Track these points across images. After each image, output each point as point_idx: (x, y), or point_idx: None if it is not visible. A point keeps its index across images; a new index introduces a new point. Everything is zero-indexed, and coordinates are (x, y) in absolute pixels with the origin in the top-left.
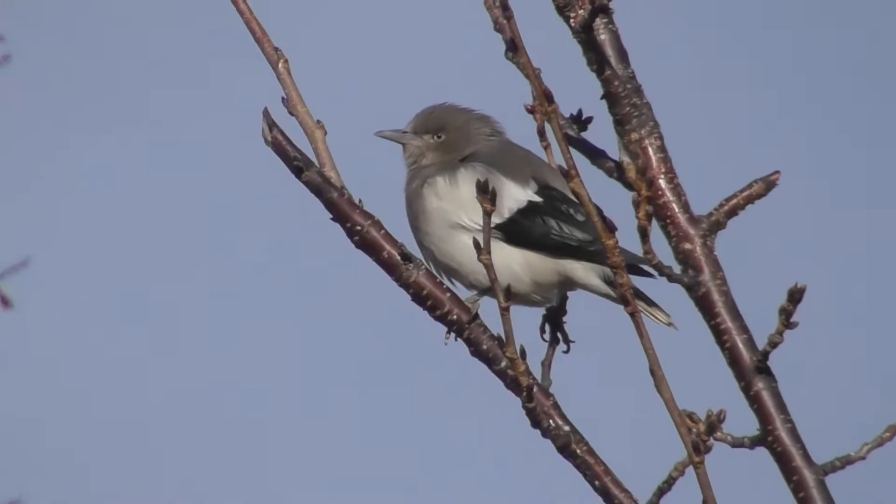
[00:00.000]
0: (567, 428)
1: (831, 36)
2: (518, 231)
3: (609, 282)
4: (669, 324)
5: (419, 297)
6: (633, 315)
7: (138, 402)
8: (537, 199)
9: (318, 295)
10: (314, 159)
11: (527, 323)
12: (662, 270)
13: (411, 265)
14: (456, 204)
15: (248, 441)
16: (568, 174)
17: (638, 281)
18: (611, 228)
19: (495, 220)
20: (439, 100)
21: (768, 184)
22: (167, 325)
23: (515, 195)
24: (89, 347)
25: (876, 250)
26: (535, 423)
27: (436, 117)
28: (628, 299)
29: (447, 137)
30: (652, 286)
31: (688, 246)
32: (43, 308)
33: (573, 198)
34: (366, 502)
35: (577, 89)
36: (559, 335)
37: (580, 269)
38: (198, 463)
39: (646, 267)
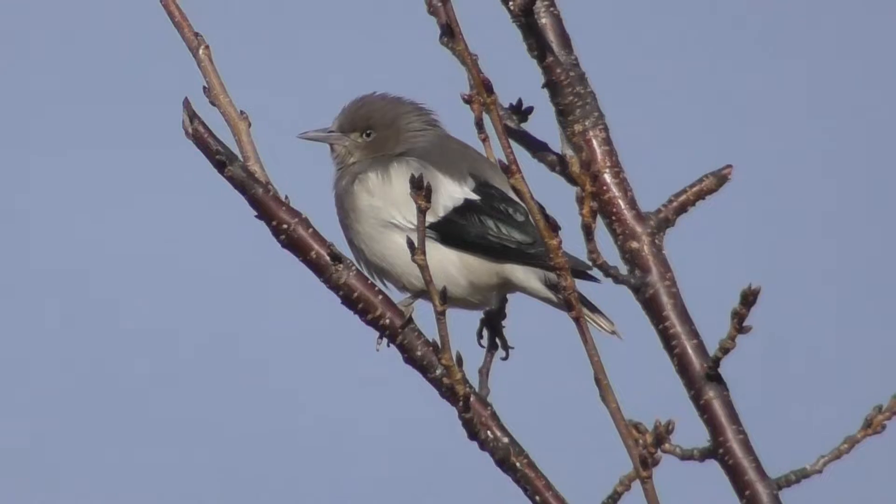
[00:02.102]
0: (506, 440)
1: (786, 19)
2: (454, 231)
3: (550, 285)
4: (613, 332)
5: (350, 300)
6: (576, 320)
7: None
8: (474, 196)
9: (245, 293)
10: (238, 153)
11: (464, 327)
12: (608, 271)
13: (341, 266)
14: (388, 201)
15: None
16: (508, 169)
17: (581, 285)
18: (553, 227)
19: (430, 218)
20: (368, 90)
21: (720, 178)
22: None
23: (451, 192)
24: None
25: (834, 248)
26: (472, 434)
27: (363, 114)
28: (572, 303)
29: (376, 135)
30: (595, 289)
31: (635, 245)
32: None
33: (513, 196)
34: None
35: (517, 77)
36: (498, 341)
37: (520, 272)
38: None
39: (590, 271)
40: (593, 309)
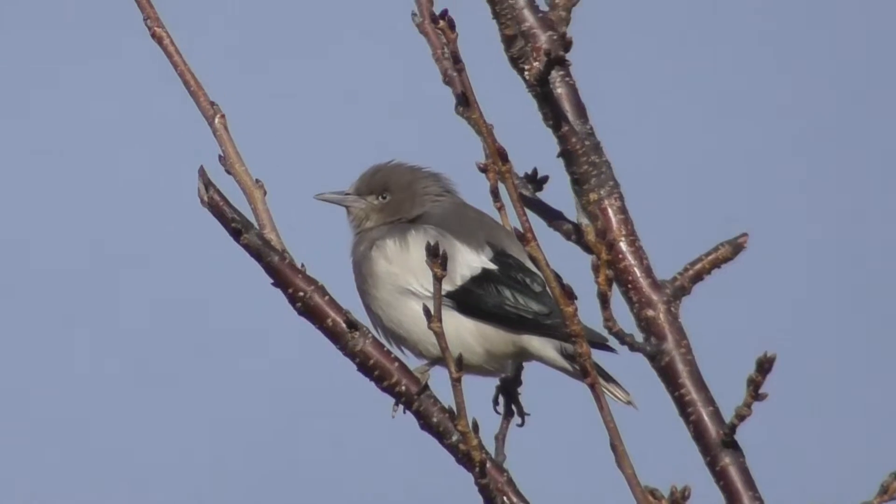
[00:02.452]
0: None
1: (798, 85)
2: (471, 300)
3: (567, 355)
4: (629, 402)
5: (366, 367)
6: (592, 386)
7: None
8: (492, 266)
9: (258, 362)
10: (253, 221)
11: (480, 394)
12: (623, 339)
13: (357, 333)
14: (406, 268)
15: None
16: (524, 237)
17: (596, 355)
18: (569, 295)
19: (447, 286)
20: (385, 158)
21: (735, 247)
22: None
23: (469, 261)
24: None
25: (851, 316)
26: (489, 500)
27: (379, 178)
28: (587, 370)
29: (392, 198)
30: (611, 357)
31: (650, 312)
32: None
33: (530, 265)
34: None
35: (533, 146)
36: (514, 407)
37: (536, 341)
38: None
39: (606, 342)
40: (608, 378)
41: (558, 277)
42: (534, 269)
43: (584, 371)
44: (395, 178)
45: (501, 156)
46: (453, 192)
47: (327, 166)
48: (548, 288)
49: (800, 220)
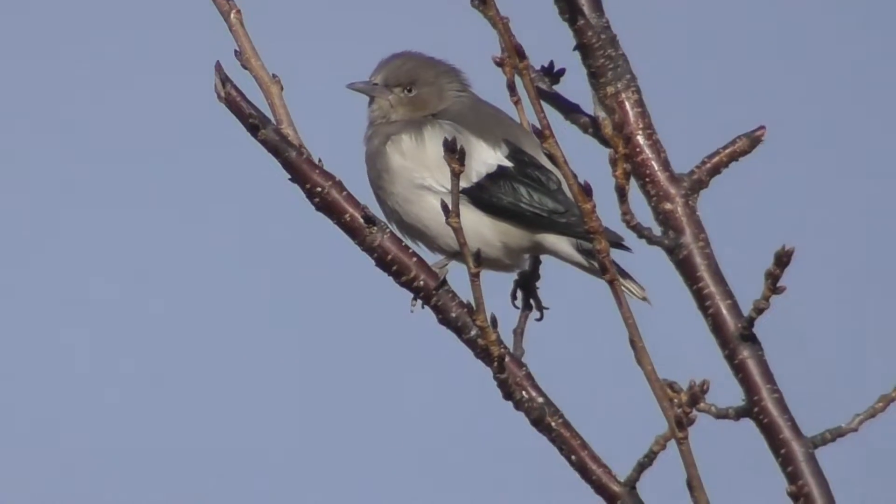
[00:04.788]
0: (541, 400)
1: None
2: (486, 197)
3: (583, 251)
4: (644, 298)
5: (384, 262)
6: (611, 283)
7: None
8: (508, 163)
9: (280, 258)
10: (270, 116)
11: (498, 289)
12: (641, 232)
13: (375, 228)
14: (421, 163)
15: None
16: (542, 134)
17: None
18: (587, 192)
19: (463, 183)
20: (400, 48)
21: (753, 140)
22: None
23: (485, 158)
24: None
25: (871, 208)
26: (507, 394)
27: (407, 69)
28: (606, 266)
29: (419, 92)
30: (628, 253)
31: (668, 206)
32: None
33: (545, 163)
34: (330, 476)
35: (548, 39)
36: (532, 301)
37: (551, 237)
38: None
39: (622, 241)
40: (624, 274)
41: (575, 175)
42: (549, 166)
43: (602, 268)
44: (422, 72)
45: (519, 52)
46: (469, 88)
47: (341, 59)
48: (565, 185)
49: (821, 111)
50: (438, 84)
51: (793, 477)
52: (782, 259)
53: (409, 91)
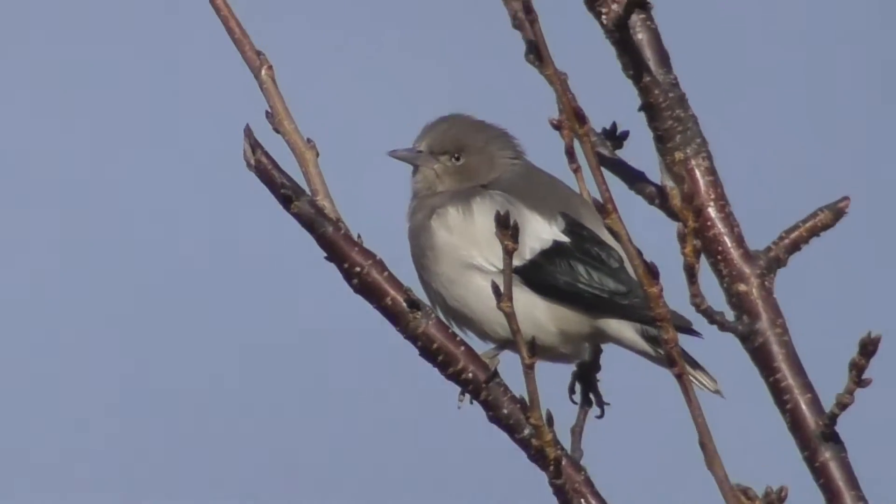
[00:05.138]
0: None
1: None
2: (540, 276)
3: (648, 337)
4: (717, 391)
5: (428, 352)
6: (679, 377)
7: None
8: (564, 238)
9: (315, 338)
10: (305, 186)
11: (554, 381)
12: (713, 317)
13: (419, 313)
14: (469, 240)
15: None
16: (604, 209)
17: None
18: (654, 274)
19: (515, 261)
20: (448, 111)
21: (836, 212)
22: None
23: (539, 232)
24: None
25: None
26: (565, 502)
27: (454, 135)
28: (674, 358)
29: (466, 160)
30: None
31: (742, 287)
32: None
33: (606, 237)
34: None
35: (611, 99)
36: (592, 396)
37: (614, 322)
38: None
39: (692, 322)
40: (694, 365)
41: (640, 254)
42: (610, 241)
43: (670, 359)
44: (471, 138)
45: (578, 115)
46: (523, 154)
47: (386, 122)
48: (629, 265)
49: None
50: (489, 151)
51: None
52: (868, 347)
53: (457, 159)
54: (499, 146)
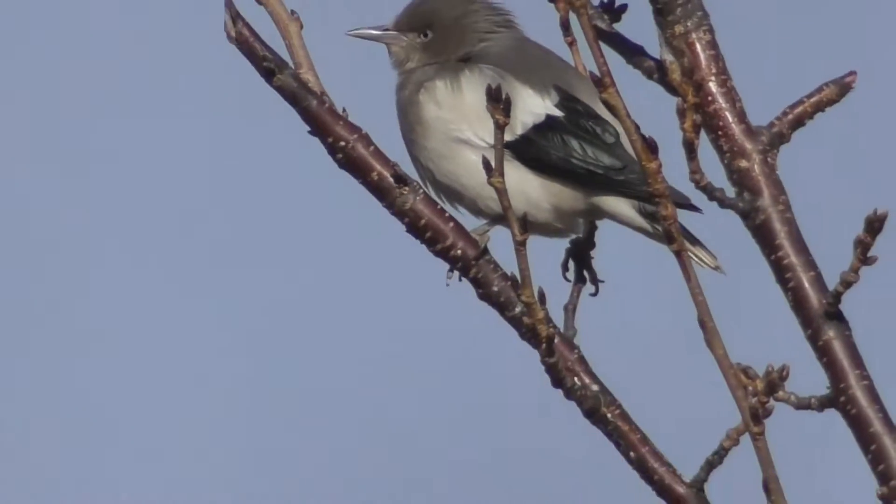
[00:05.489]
0: (596, 387)
1: None
2: (532, 151)
3: (645, 213)
4: (716, 267)
5: (416, 228)
6: (678, 254)
7: None
8: (558, 113)
9: (298, 221)
10: (288, 59)
11: (547, 258)
12: (712, 194)
13: (407, 189)
14: (460, 114)
15: None
16: (601, 82)
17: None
18: (652, 149)
19: (506, 136)
20: None
21: (842, 87)
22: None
23: (531, 107)
24: None
25: None
26: (557, 381)
27: (424, 11)
28: (673, 235)
29: (435, 35)
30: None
31: (744, 163)
32: None
33: (602, 111)
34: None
35: None
36: (586, 274)
37: (610, 198)
38: None
39: (691, 202)
40: (693, 241)
41: (638, 128)
42: (607, 117)
43: (668, 236)
44: (441, 12)
45: None
46: (514, 27)
47: None
48: (626, 141)
49: None
50: (461, 25)
51: (884, 477)
52: (874, 225)
53: (425, 35)
54: (474, 19)
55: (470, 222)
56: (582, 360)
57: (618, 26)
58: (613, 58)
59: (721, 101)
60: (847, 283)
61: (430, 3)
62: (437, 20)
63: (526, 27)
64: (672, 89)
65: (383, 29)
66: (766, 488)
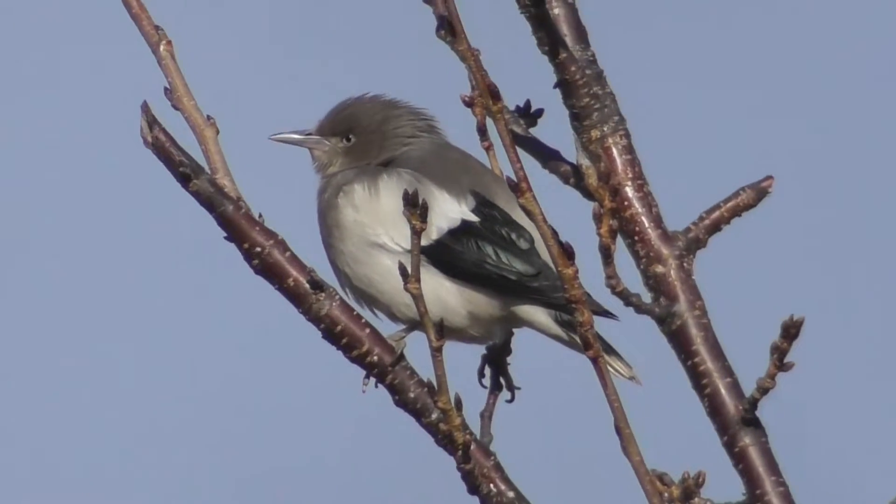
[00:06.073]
0: (511, 494)
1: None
2: (447, 256)
3: (561, 321)
4: (632, 377)
5: (332, 334)
6: (594, 360)
7: None
8: (473, 217)
9: (215, 326)
10: (204, 164)
11: (463, 365)
12: (628, 299)
13: (323, 295)
14: (376, 218)
15: None
16: (517, 187)
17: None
18: (569, 255)
19: (423, 241)
20: (358, 91)
21: (759, 192)
22: None
23: (447, 211)
24: None
25: (889, 272)
26: (473, 488)
27: (345, 116)
28: (590, 342)
29: (357, 140)
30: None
31: (660, 269)
32: None
33: (518, 217)
34: None
35: (526, 76)
36: (502, 380)
37: (525, 305)
38: None
39: (607, 308)
40: (610, 350)
41: (555, 234)
42: (522, 222)
43: (585, 343)
44: (363, 117)
45: (492, 93)
46: (435, 131)
47: (289, 102)
48: (542, 246)
49: (831, 162)
50: (382, 130)
51: None
52: (790, 331)
53: (347, 140)
54: (395, 125)
55: (388, 327)
56: (498, 466)
57: (534, 130)
58: (530, 162)
59: (637, 206)
60: (764, 390)
61: (352, 107)
62: (360, 125)
63: (448, 131)
64: (588, 194)
65: (306, 133)
66: None
